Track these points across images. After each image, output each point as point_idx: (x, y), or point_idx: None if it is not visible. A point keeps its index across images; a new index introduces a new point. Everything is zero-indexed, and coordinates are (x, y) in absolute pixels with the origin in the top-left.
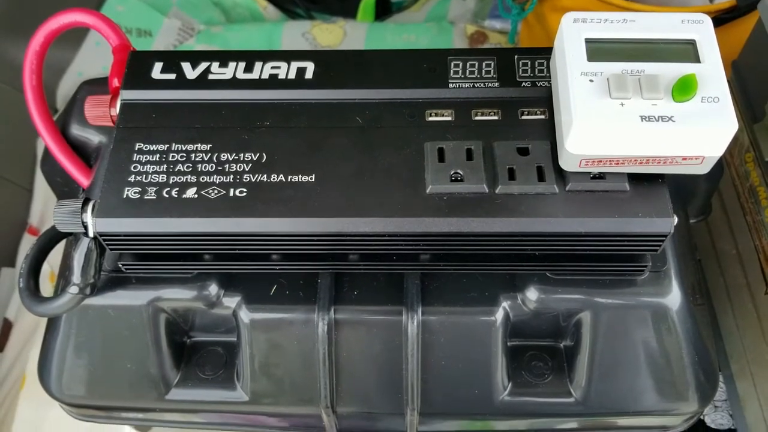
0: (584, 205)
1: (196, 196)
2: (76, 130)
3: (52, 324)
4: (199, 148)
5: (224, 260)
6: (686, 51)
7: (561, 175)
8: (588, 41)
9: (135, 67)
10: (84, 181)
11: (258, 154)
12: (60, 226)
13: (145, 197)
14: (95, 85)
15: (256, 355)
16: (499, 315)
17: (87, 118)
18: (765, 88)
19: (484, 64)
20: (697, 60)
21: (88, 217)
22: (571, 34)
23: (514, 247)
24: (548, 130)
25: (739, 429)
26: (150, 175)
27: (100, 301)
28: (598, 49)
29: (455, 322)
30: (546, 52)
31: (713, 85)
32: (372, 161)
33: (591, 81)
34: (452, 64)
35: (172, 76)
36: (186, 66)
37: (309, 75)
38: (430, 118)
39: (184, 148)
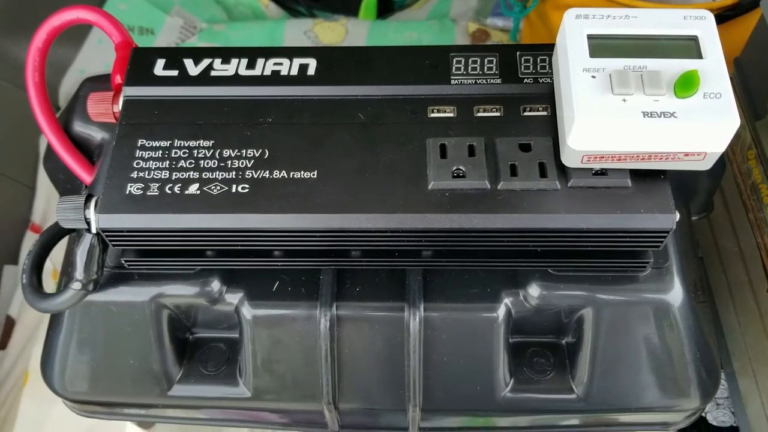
0: (586, 201)
1: (198, 192)
2: (79, 127)
3: (55, 320)
4: (201, 145)
5: (227, 256)
6: (688, 47)
7: (563, 171)
8: (590, 37)
9: (137, 63)
10: (87, 177)
11: (260, 151)
12: (63, 222)
13: (148, 193)
14: (98, 82)
15: (259, 352)
16: (501, 311)
17: (90, 114)
18: (767, 85)
19: (486, 60)
20: (699, 56)
21: (91, 213)
22: (574, 30)
23: (516, 243)
24: (550, 127)
25: (741, 426)
26: (152, 171)
27: (103, 297)
28: (601, 45)
29: (457, 319)
30: (548, 48)
31: (715, 81)
32: (374, 157)
33: (593, 77)
34: (454, 61)
35: (175, 73)
36: (188, 62)
37: (311, 71)
38: (432, 115)
39: (186, 145)
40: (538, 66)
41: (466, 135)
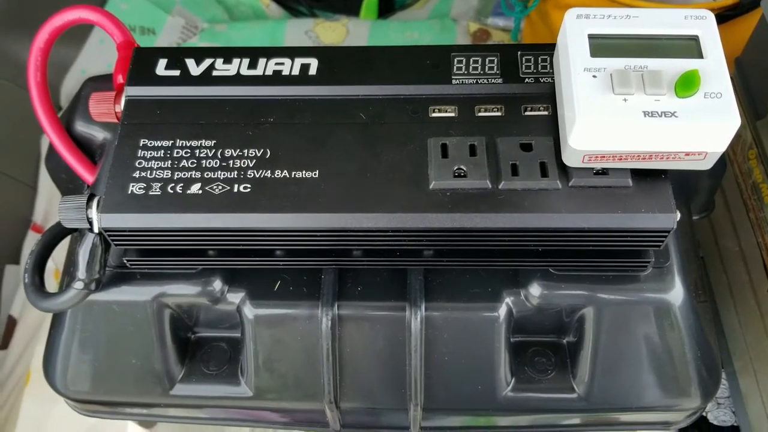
0: (587, 200)
1: (200, 191)
2: (81, 127)
3: (57, 320)
4: (203, 144)
5: (228, 256)
6: (689, 47)
7: (564, 170)
8: (591, 37)
9: (139, 63)
10: (89, 177)
11: (262, 150)
12: (65, 222)
13: (150, 193)
14: (100, 82)
15: (260, 351)
16: (502, 311)
17: (91, 114)
18: None
19: (487, 60)
20: (700, 56)
21: (93, 212)
22: (574, 29)
23: (517, 242)
24: (551, 126)
25: (742, 426)
26: (154, 171)
27: (105, 296)
28: (602, 45)
29: (458, 318)
30: (549, 48)
31: (716, 80)
32: (375, 157)
33: (594, 77)
34: (455, 61)
35: (177, 73)
36: (190, 62)
37: (313, 71)
38: (434, 114)
39: (188, 144)
40: (539, 66)
41: (467, 135)
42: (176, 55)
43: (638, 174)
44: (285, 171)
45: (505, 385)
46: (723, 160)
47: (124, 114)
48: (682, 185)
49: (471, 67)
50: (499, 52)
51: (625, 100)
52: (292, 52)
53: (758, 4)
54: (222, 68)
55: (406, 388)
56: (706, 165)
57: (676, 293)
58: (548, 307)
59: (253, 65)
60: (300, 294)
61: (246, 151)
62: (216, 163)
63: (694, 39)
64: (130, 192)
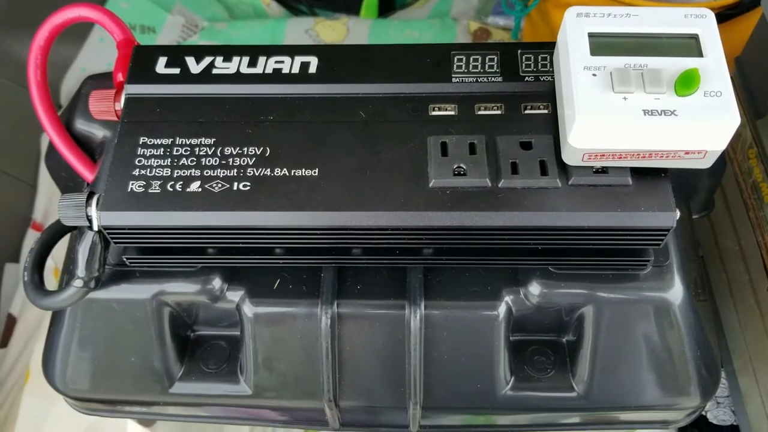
0: (587, 199)
1: (200, 189)
2: (81, 125)
3: (57, 318)
4: (203, 142)
5: (228, 254)
6: (689, 45)
7: (564, 169)
8: (591, 35)
9: (139, 61)
10: (88, 175)
11: (262, 149)
12: (64, 220)
13: (150, 191)
14: (100, 80)
15: (260, 349)
16: (502, 309)
17: (91, 112)
18: None
19: (487, 58)
20: (699, 54)
21: (93, 210)
22: (574, 28)
23: (517, 241)
24: (551, 125)
25: (741, 425)
26: (154, 169)
27: (105, 294)
28: (601, 44)
29: (458, 317)
30: (549, 46)
31: (716, 79)
32: (375, 155)
33: (594, 75)
34: (455, 59)
35: (177, 71)
36: (190, 60)
37: (312, 69)
38: (433, 113)
39: (188, 142)
40: (539, 64)
41: (467, 133)
42: (176, 54)
43: (638, 172)
44: (285, 169)
45: (504, 384)
46: (723, 159)
47: (124, 112)
48: (682, 184)
49: (471, 66)
50: (499, 50)
51: (624, 98)
52: (291, 51)
53: (758, 3)
54: (222, 66)
55: (406, 387)
56: (706, 164)
57: (676, 292)
58: (548, 305)
59: (252, 63)
60: (299, 292)
61: (246, 149)
62: (216, 161)
63: (694, 38)
64: (129, 190)
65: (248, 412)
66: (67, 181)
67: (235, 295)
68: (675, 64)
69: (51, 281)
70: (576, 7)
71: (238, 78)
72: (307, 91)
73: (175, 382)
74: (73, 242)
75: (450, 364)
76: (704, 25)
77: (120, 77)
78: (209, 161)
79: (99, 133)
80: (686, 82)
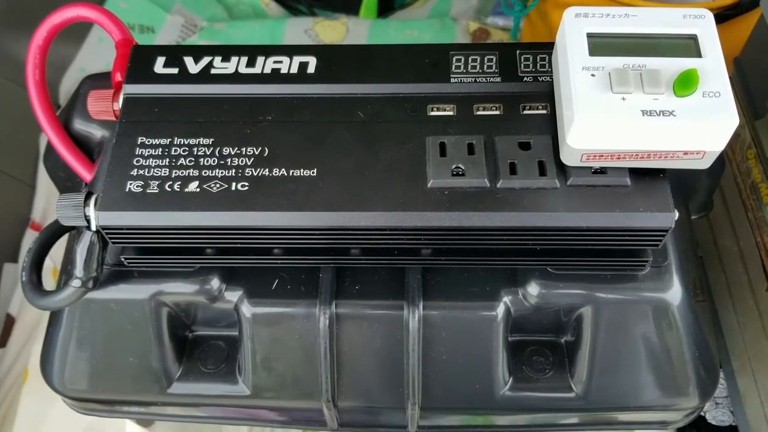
0: (585, 199)
1: (198, 190)
2: (79, 125)
3: (55, 318)
4: (201, 143)
5: (226, 254)
6: (688, 46)
7: (562, 169)
8: (590, 36)
9: (138, 61)
10: (87, 175)
11: (260, 149)
12: (63, 220)
13: (148, 191)
14: (98, 80)
15: (258, 350)
16: (500, 310)
17: (90, 112)
18: (767, 84)
19: (486, 59)
20: (698, 55)
21: (91, 210)
22: (573, 28)
23: (515, 241)
24: (550, 125)
25: (740, 425)
26: (152, 169)
27: (103, 294)
28: (600, 44)
29: (456, 317)
30: (548, 47)
31: (714, 79)
32: (373, 156)
33: (593, 75)
34: (454, 59)
35: (175, 71)
36: (188, 60)
37: (311, 69)
38: (432, 113)
39: (186, 142)
40: (538, 64)
41: (465, 133)
42: (174, 53)
43: (636, 173)
44: (283, 169)
45: (503, 384)
46: (721, 160)
47: (122, 112)
48: (681, 184)
49: (470, 66)
50: (498, 50)
51: (623, 99)
52: (290, 51)
53: (757, 3)
54: (220, 66)
55: (404, 387)
56: (705, 164)
57: (675, 293)
58: (546, 306)
59: (251, 63)
60: (298, 292)
61: (244, 149)
62: (214, 161)
63: (693, 38)
64: (127, 190)
65: (246, 412)
66: (66, 181)
67: (233, 296)
68: (674, 65)
69: (49, 281)
70: (575, 7)
71: (236, 78)
72: (306, 91)
73: (173, 383)
74: (71, 242)
75: (448, 364)
76: (703, 26)
77: (118, 77)
78: (207, 161)
79: (97, 132)
80: (685, 83)
